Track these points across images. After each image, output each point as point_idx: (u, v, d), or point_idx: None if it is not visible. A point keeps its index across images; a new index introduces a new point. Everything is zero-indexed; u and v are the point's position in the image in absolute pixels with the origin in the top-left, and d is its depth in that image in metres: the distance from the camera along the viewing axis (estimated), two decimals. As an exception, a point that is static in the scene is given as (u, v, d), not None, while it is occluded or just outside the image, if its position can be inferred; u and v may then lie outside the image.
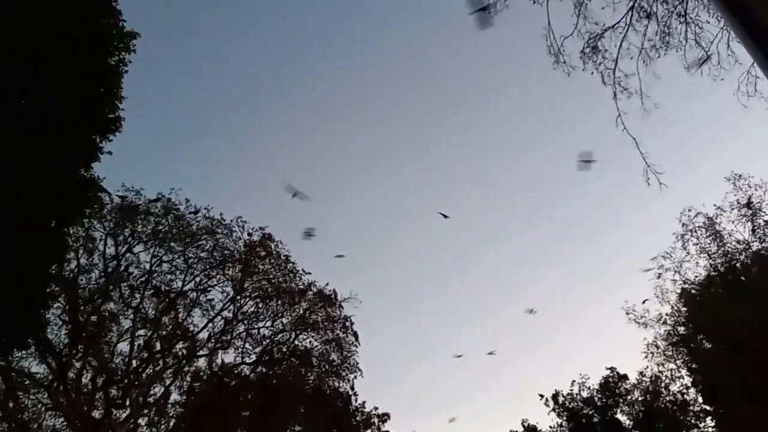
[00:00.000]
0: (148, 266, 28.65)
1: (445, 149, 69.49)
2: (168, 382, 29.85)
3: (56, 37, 11.77)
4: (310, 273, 31.29)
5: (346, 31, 69.13)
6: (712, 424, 37.92)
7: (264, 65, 67.62)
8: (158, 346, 29.37)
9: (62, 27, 11.91)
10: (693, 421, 39.28)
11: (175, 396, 30.66)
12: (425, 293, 67.15)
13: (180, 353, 30.14)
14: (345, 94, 69.75)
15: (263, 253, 30.29)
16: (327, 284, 31.72)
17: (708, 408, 37.39)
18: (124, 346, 28.91)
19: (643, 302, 36.12)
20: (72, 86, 12.32)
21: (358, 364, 31.93)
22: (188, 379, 30.86)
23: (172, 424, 30.64)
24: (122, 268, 27.86)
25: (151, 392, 29.32)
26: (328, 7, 67.52)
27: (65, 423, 27.22)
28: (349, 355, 31.83)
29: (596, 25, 11.65)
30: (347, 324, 31.86)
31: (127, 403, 26.93)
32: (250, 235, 30.11)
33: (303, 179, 66.73)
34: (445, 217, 16.54)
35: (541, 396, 46.04)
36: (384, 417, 37.77)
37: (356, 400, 35.35)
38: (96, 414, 26.66)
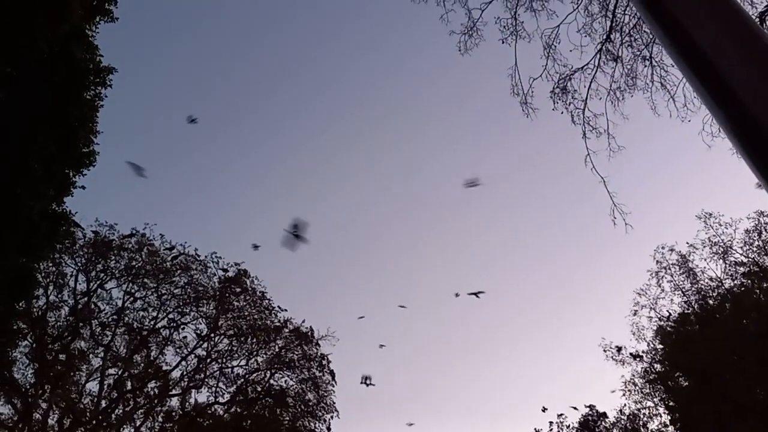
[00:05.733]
0: (120, 303, 28.17)
1: (415, 180, 70.02)
2: (139, 422, 29.01)
3: (29, 69, 11.75)
4: (286, 310, 31.00)
5: (327, 64, 70.07)
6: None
7: (240, 97, 68.06)
8: (129, 385, 28.64)
9: (37, 60, 11.91)
10: (672, 460, 39.12)
11: (145, 437, 29.77)
12: (399, 332, 66.69)
13: (152, 392, 29.41)
14: (323, 125, 70.26)
15: (238, 290, 29.96)
16: (303, 321, 31.41)
17: (686, 446, 37.31)
18: (93, 386, 28.19)
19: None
20: (45, 120, 12.26)
21: (334, 404, 31.37)
22: (160, 419, 30.02)
23: (141, 466, 29.65)
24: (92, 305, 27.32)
25: (121, 434, 28.46)
26: (312, 47, 68.65)
27: (29, 466, 26.20)
28: (325, 394, 31.26)
29: (565, 67, 11.98)
30: (324, 362, 31.40)
31: (95, 445, 26.07)
32: (225, 271, 29.84)
33: (282, 214, 66.58)
34: (478, 295, 17.05)
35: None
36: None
37: (333, 442, 34.62)
38: (62, 457, 25.72)
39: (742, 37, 1.05)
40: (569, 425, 45.75)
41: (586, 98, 11.62)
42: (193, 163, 64.90)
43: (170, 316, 29.05)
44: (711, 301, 33.38)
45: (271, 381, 30.94)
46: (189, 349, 29.41)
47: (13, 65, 11.66)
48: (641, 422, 40.71)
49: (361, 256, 68.29)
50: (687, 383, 33.80)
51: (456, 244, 70.08)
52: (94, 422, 26.50)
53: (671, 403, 35.81)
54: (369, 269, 68.78)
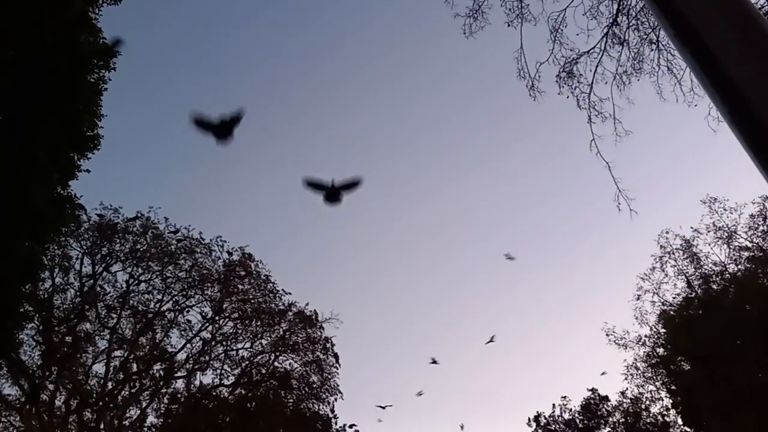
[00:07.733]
0: (125, 285, 28.33)
1: (423, 167, 69.97)
2: (144, 404, 29.29)
3: (33, 54, 11.72)
4: (290, 293, 31.08)
5: (332, 61, 69.73)
6: (692, 446, 38.01)
7: (247, 83, 67.82)
8: (135, 367, 28.88)
9: (40, 43, 11.87)
10: (673, 443, 39.38)
11: (151, 419, 30.11)
12: (404, 316, 66.98)
13: (157, 375, 29.66)
14: (328, 118, 70.07)
15: (243, 273, 30.05)
16: (307, 304, 31.53)
17: (688, 430, 37.52)
18: (99, 368, 28.42)
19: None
20: (49, 103, 12.25)
21: (338, 386, 31.59)
22: (165, 401, 30.29)
23: (148, 447, 30.02)
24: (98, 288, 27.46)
25: (127, 415, 28.72)
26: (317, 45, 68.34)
27: (37, 447, 26.53)
28: (329, 377, 31.47)
29: (571, 51, 11.88)
30: (328, 345, 31.57)
31: (102, 426, 26.36)
32: (229, 254, 29.93)
33: (288, 197, 66.60)
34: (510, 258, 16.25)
35: (529, 419, 46.25)
36: (364, 439, 37.26)
37: (336, 423, 34.90)
38: (69, 437, 26.04)
39: (748, 32, 1.04)
40: (571, 408, 46.08)
41: (592, 82, 11.55)
42: (200, 148, 64.86)
43: (175, 298, 29.23)
44: (715, 286, 33.39)
45: (276, 363, 31.16)
46: (194, 332, 29.61)
47: (18, 51, 11.64)
48: (644, 406, 40.95)
49: (366, 239, 68.46)
50: (689, 367, 33.92)
51: (461, 231, 70.17)
52: (100, 403, 26.78)
53: (673, 387, 35.98)
54: (374, 254, 68.99)
